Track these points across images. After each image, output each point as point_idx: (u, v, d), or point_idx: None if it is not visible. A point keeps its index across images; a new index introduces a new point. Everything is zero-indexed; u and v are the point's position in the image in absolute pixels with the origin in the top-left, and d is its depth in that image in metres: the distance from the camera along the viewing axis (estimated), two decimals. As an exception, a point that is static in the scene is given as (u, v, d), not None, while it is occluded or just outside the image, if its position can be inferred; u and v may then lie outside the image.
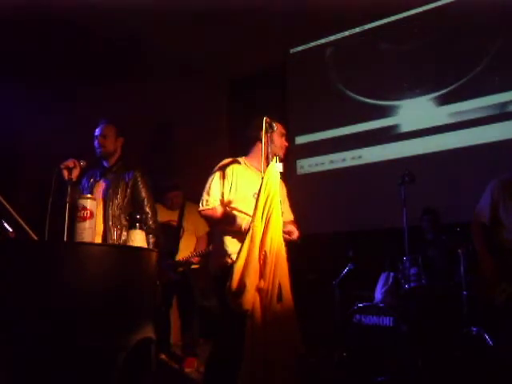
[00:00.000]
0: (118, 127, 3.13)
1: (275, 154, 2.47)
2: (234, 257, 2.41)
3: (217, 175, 2.62)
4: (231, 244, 2.48)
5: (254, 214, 2.04)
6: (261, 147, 2.55)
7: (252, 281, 1.92)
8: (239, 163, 2.68)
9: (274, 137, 2.62)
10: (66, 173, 2.58)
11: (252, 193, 2.51)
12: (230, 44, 5.70)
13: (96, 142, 3.07)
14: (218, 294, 2.42)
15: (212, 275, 2.55)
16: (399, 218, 3.52)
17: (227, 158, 2.72)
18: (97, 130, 3.10)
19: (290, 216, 2.80)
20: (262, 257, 1.97)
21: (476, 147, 4.17)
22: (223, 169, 2.62)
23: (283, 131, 2.75)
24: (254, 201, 2.40)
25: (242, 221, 2.43)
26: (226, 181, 2.58)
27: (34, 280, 1.51)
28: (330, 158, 5.02)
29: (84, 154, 2.82)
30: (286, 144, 2.75)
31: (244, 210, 2.49)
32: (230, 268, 2.31)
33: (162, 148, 6.15)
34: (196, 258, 3.92)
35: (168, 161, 5.96)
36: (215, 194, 2.58)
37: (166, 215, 3.99)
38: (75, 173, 2.62)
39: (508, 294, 2.76)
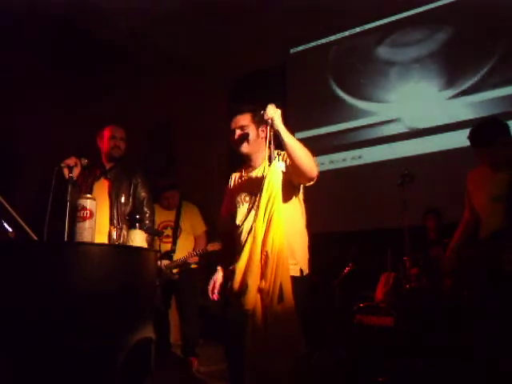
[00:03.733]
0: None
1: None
2: None
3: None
4: None
5: (256, 213, 2.03)
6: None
7: (254, 281, 1.92)
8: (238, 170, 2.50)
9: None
10: (66, 171, 2.57)
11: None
12: (229, 44, 5.70)
13: (116, 143, 3.07)
14: None
15: None
16: (399, 218, 3.52)
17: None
18: (113, 131, 3.10)
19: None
20: (263, 257, 1.96)
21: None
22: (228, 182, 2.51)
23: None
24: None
25: None
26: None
27: (33, 280, 1.51)
28: (329, 158, 5.02)
29: (84, 153, 2.82)
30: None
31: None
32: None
33: (162, 148, 6.15)
34: (195, 258, 3.92)
35: (167, 160, 5.97)
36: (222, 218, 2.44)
37: (162, 215, 3.98)
38: (76, 171, 2.61)
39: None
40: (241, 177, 2.46)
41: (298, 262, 2.25)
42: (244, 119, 2.41)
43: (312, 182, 2.27)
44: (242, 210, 2.33)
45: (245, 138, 2.36)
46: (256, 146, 2.36)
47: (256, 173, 2.37)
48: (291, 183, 2.25)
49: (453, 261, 2.76)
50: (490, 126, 2.56)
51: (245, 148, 2.35)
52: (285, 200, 2.19)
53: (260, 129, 2.38)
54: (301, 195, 2.40)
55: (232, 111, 2.50)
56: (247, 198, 2.34)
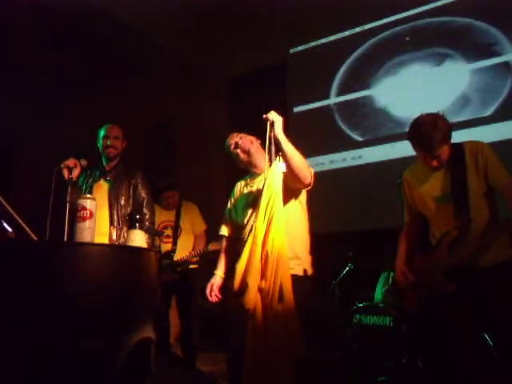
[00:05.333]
0: (123, 129, 3.15)
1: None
2: None
3: None
4: None
5: (257, 213, 2.04)
6: None
7: (254, 281, 1.92)
8: None
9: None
10: (66, 172, 2.57)
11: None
12: (229, 44, 5.71)
13: (107, 143, 3.05)
14: None
15: None
16: (399, 218, 3.52)
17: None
18: (106, 130, 3.08)
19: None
20: (263, 257, 1.96)
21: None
22: None
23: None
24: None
25: None
26: None
27: (33, 280, 1.51)
28: (329, 158, 5.02)
29: (84, 153, 2.82)
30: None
31: None
32: None
33: (161, 148, 6.15)
34: (195, 258, 3.92)
35: (167, 160, 5.97)
36: None
37: (162, 215, 3.98)
38: (76, 172, 2.61)
39: (423, 303, 2.40)
40: (246, 185, 2.52)
41: (302, 262, 2.31)
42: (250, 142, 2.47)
43: (308, 188, 2.33)
44: (245, 219, 2.40)
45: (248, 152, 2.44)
46: (256, 156, 2.44)
47: (259, 180, 2.42)
48: (290, 187, 2.29)
49: (408, 276, 2.42)
50: (440, 128, 2.25)
51: (244, 158, 2.44)
52: (285, 202, 2.24)
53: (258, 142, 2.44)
54: (303, 199, 2.44)
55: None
56: (251, 207, 2.41)
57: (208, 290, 2.45)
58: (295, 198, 2.38)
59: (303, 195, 2.44)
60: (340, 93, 5.09)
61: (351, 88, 5.01)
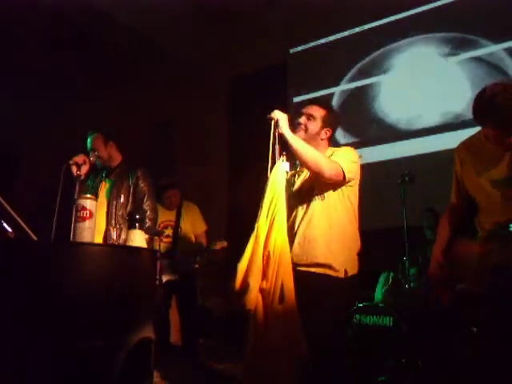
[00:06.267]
0: (104, 133, 3.06)
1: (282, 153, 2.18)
2: None
3: None
4: None
5: (259, 213, 2.03)
6: None
7: (255, 281, 1.92)
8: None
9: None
10: (75, 169, 2.55)
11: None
12: (230, 44, 5.71)
13: (92, 156, 3.02)
14: None
15: None
16: (399, 218, 3.52)
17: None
18: (87, 144, 3.05)
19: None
20: (265, 257, 1.96)
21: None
22: None
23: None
24: None
25: None
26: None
27: (33, 280, 1.51)
28: (329, 158, 5.02)
29: (84, 153, 2.82)
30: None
31: None
32: None
33: (161, 148, 6.16)
34: (195, 258, 3.92)
35: (167, 160, 5.97)
36: None
37: (163, 215, 3.98)
38: (84, 169, 2.59)
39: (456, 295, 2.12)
40: (294, 174, 2.42)
41: (335, 261, 2.24)
42: (317, 111, 2.35)
43: (343, 182, 2.22)
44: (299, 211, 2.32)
45: (306, 127, 2.32)
46: (311, 141, 2.28)
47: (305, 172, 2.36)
48: (324, 182, 2.22)
49: (444, 268, 2.14)
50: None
51: (300, 136, 2.26)
52: (323, 193, 2.24)
53: (324, 130, 2.35)
54: (347, 192, 2.31)
55: (312, 100, 2.44)
56: (300, 197, 2.33)
57: None
58: (333, 190, 2.26)
59: (348, 189, 2.29)
60: (339, 92, 5.09)
61: (351, 87, 5.02)
